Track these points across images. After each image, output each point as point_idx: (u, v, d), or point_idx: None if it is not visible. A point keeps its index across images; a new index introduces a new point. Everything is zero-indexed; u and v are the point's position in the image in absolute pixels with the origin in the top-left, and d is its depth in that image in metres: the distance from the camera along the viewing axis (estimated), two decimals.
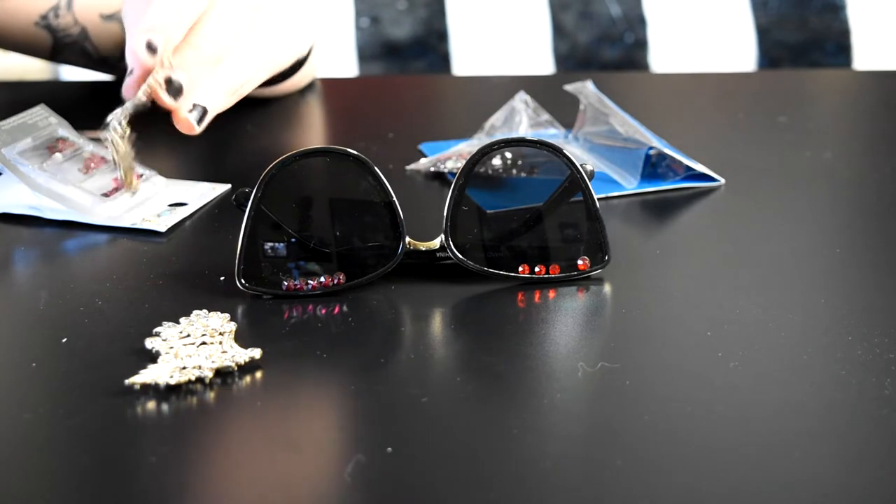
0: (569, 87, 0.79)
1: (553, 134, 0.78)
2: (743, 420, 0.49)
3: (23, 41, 0.86)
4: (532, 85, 0.83)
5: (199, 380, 0.50)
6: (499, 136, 0.77)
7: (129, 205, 0.66)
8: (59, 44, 0.85)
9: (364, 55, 1.28)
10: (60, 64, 0.91)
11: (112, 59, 0.87)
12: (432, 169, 0.75)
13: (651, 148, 0.72)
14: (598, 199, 0.60)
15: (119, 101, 0.65)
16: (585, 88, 0.79)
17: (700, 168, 0.73)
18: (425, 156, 0.77)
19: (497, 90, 0.80)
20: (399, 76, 1.25)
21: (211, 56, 0.65)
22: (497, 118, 0.78)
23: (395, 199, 0.58)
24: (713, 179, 0.73)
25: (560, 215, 0.61)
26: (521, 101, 0.79)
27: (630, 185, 0.72)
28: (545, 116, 0.79)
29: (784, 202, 0.73)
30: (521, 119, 0.78)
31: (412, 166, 0.75)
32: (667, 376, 0.53)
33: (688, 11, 1.31)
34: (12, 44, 0.87)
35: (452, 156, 0.75)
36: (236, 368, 0.51)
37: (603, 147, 0.75)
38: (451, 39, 1.28)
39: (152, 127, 0.84)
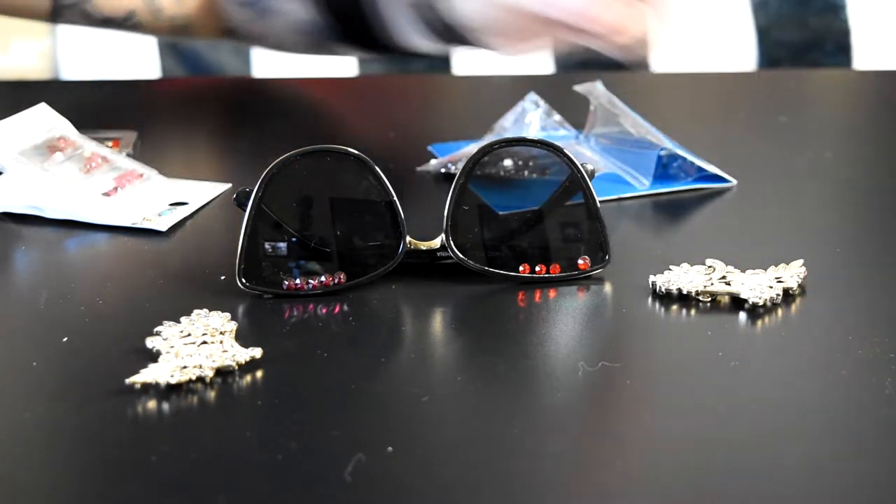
0: (578, 88, 0.79)
1: (564, 135, 0.78)
2: (743, 420, 0.49)
3: (20, 3, 0.86)
4: (534, 85, 0.82)
5: (200, 379, 0.50)
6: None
7: (129, 204, 0.66)
8: (58, 5, 0.85)
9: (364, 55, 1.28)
10: (63, 24, 0.91)
11: (116, 19, 0.87)
12: (443, 170, 0.75)
13: (662, 149, 0.72)
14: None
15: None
16: (595, 89, 0.78)
17: (712, 169, 0.72)
18: (435, 157, 0.77)
19: (501, 90, 0.79)
20: (400, 76, 1.25)
21: None
22: (507, 119, 0.78)
23: (395, 198, 0.58)
24: (725, 180, 0.73)
25: (560, 215, 0.61)
26: (532, 101, 0.79)
27: (642, 186, 0.72)
28: (556, 117, 0.79)
29: (784, 202, 0.73)
30: (532, 120, 0.78)
31: (422, 167, 0.75)
32: (667, 376, 0.53)
33: (688, 11, 1.31)
34: (10, 6, 0.87)
35: (462, 157, 0.74)
36: (237, 368, 0.51)
37: (615, 148, 0.75)
38: None
39: (153, 126, 0.84)
